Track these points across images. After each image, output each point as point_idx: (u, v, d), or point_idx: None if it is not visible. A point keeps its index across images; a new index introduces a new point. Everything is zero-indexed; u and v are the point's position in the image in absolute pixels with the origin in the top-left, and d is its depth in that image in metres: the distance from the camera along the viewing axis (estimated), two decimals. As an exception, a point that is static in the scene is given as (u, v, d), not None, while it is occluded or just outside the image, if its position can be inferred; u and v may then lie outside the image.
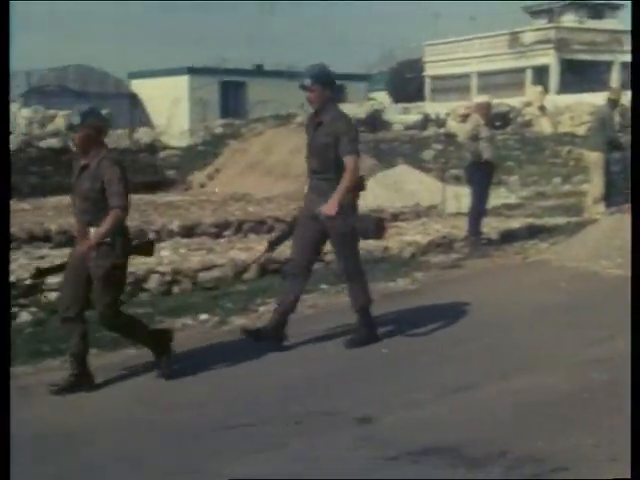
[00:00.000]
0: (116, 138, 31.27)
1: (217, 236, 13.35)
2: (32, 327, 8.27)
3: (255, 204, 17.72)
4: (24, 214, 15.88)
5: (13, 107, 35.42)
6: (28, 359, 7.28)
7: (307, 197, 7.60)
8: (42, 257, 10.71)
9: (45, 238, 12.85)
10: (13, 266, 9.74)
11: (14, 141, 29.45)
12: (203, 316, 8.64)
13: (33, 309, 8.76)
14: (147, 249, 6.84)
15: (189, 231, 13.58)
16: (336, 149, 7.23)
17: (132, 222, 13.94)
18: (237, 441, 5.48)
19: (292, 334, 7.82)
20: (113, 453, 5.32)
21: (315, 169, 7.45)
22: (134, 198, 18.55)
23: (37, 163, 26.16)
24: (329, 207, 7.23)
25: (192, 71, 44.49)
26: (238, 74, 46.72)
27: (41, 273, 7.70)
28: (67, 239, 12.78)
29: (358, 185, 7.45)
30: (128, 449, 5.39)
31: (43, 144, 29.33)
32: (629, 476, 4.32)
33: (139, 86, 45.86)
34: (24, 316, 8.62)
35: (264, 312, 8.84)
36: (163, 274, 9.77)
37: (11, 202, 18.05)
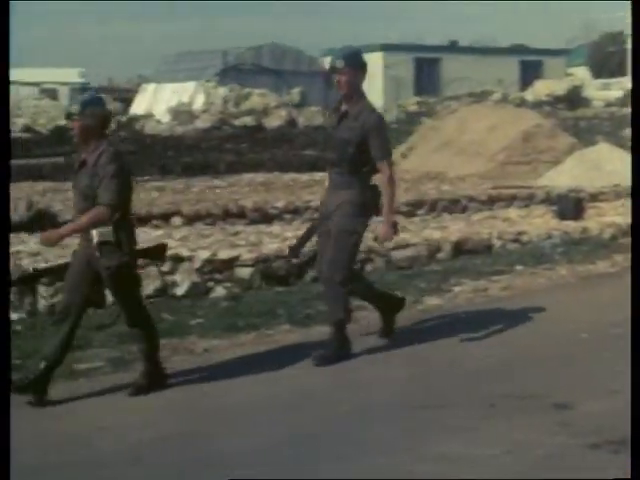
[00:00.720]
0: (310, 115, 31.69)
1: (411, 215, 13.26)
2: (227, 302, 8.38)
3: (449, 183, 17.51)
4: (219, 191, 16.20)
5: (209, 86, 36.41)
6: (222, 333, 7.36)
7: (325, 193, 7.07)
8: (237, 233, 10.83)
9: (240, 215, 13.04)
10: (209, 241, 9.90)
11: (210, 119, 30.24)
12: (397, 295, 8.53)
13: (228, 284, 8.87)
14: (158, 253, 6.41)
15: (382, 209, 13.52)
16: (358, 145, 6.67)
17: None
18: (432, 422, 5.39)
19: (485, 316, 7.64)
20: (302, 429, 5.30)
21: (332, 162, 6.91)
22: (325, 176, 18.78)
23: (232, 141, 26.71)
24: (385, 233, 6.81)
25: (386, 48, 44.41)
26: (432, 50, 46.46)
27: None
28: (261, 216, 12.97)
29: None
30: (320, 426, 5.36)
31: (238, 122, 29.98)
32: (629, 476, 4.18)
33: (333, 64, 46.15)
34: (219, 291, 8.75)
35: (458, 293, 8.68)
36: (356, 252, 9.71)
37: (205, 179, 18.45)
